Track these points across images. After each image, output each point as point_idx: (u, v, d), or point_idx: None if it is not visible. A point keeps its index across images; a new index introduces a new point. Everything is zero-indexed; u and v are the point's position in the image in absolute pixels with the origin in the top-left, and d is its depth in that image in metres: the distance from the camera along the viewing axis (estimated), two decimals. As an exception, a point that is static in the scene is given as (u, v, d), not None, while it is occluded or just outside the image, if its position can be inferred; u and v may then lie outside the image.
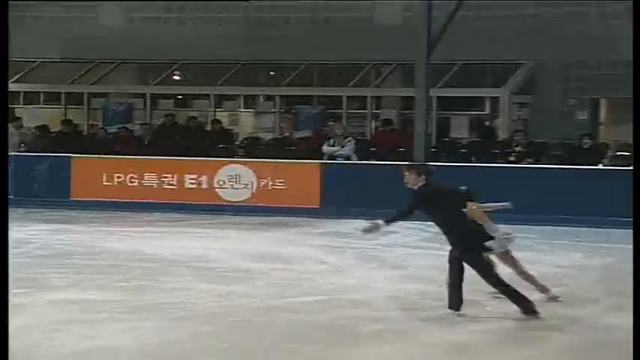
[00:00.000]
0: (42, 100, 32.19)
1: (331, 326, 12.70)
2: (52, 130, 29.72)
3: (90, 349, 11.54)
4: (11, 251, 19.24)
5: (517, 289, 12.53)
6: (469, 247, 12.49)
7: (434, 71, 26.02)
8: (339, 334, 12.21)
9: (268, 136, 29.38)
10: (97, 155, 27.24)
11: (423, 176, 12.65)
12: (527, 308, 12.37)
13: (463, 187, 13.13)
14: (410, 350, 10.90)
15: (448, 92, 28.11)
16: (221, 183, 25.65)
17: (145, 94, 31.35)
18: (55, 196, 26.21)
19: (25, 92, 32.18)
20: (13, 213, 23.97)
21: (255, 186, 25.43)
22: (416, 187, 12.68)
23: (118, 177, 26.18)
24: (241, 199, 25.34)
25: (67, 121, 30.01)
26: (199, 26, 30.60)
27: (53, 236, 21.51)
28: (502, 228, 13.01)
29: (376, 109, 29.90)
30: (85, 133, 30.78)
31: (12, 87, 31.90)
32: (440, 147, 26.92)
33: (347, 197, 24.07)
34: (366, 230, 12.77)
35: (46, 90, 32.10)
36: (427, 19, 25.34)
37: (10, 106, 32.12)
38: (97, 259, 18.61)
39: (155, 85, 31.51)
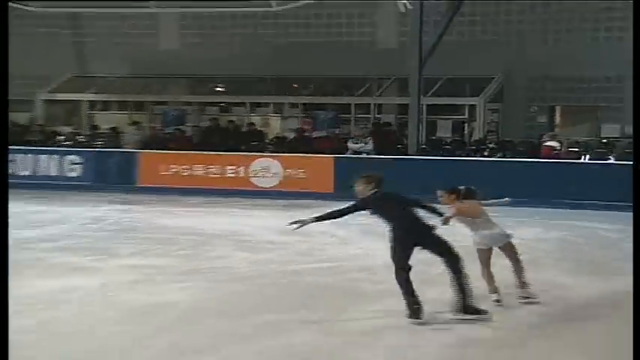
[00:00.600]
0: (115, 107, 32.23)
1: (340, 287, 12.72)
2: (121, 131, 29.80)
3: (151, 303, 11.64)
4: (89, 226, 19.66)
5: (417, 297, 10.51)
6: (403, 247, 10.54)
7: (424, 84, 26.04)
8: (346, 293, 12.22)
9: (292, 135, 29.36)
10: (158, 151, 27.31)
11: (373, 184, 10.88)
12: (414, 313, 10.40)
13: (462, 187, 11.57)
14: (403, 307, 10.88)
15: (435, 100, 28.06)
16: (254, 173, 25.65)
17: (194, 102, 31.40)
18: (125, 182, 26.25)
19: (102, 101, 32.24)
20: (91, 196, 24.33)
21: (281, 175, 25.43)
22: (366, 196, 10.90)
23: (173, 168, 26.22)
24: (270, 185, 25.34)
25: (135, 123, 30.03)
26: (238, 48, 30.59)
27: (122, 215, 21.55)
28: (498, 229, 11.42)
29: (377, 114, 29.87)
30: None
31: (92, 97, 32.10)
32: (428, 144, 26.86)
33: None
34: (294, 223, 10.74)
35: (118, 99, 32.13)
36: (418, 43, 25.35)
37: (89, 112, 32.24)
38: (156, 233, 18.65)
39: (203, 95, 31.53)
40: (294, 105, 30.78)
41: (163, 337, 9.97)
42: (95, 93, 31.99)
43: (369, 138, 26.39)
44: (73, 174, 27.11)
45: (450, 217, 10.96)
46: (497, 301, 11.27)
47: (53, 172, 27.23)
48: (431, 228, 10.63)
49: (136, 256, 15.56)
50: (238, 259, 15.08)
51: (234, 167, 25.87)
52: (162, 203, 23.42)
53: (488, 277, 11.38)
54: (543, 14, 28.53)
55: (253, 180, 25.70)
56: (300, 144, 27.46)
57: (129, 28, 31.58)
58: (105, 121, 31.15)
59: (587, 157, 24.57)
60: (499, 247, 11.51)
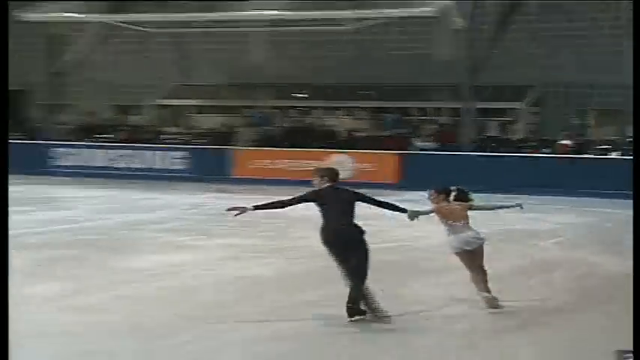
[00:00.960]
0: (212, 111, 32.44)
1: (401, 263, 12.76)
2: (218, 131, 30.06)
3: (242, 276, 11.79)
4: (190, 211, 19.90)
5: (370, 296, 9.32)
6: (334, 243, 9.38)
7: (475, 90, 25.96)
8: (407, 268, 12.25)
9: (362, 135, 29.34)
10: (248, 147, 27.56)
11: (326, 178, 9.51)
12: (375, 312, 9.21)
13: (453, 188, 10.08)
14: (452, 278, 10.89)
15: (484, 105, 27.84)
16: (330, 166, 25.78)
17: (279, 106, 31.53)
18: (220, 174, 26.53)
19: (202, 106, 32.49)
20: (192, 186, 24.50)
21: (354, 169, 25.47)
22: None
23: (261, 162, 26.45)
24: (344, 178, 25.32)
25: (250, 125, 30.30)
26: (316, 60, 30.63)
27: (218, 201, 21.71)
28: (472, 232, 9.83)
29: (435, 116, 29.74)
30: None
31: (193, 102, 32.35)
32: (478, 142, 26.70)
33: (416, 176, 24.04)
34: (232, 210, 9.70)
35: (214, 104, 32.35)
36: (470, 55, 25.28)
37: (191, 115, 32.49)
38: (246, 217, 18.68)
39: (285, 100, 31.64)
40: (363, 109, 30.76)
41: (251, 303, 10.10)
42: (196, 99, 32.26)
43: (432, 137, 26.52)
44: (177, 167, 27.46)
45: (419, 213, 9.88)
46: (494, 303, 9.75)
47: (161, 166, 27.61)
48: (362, 232, 9.39)
49: (230, 236, 15.70)
50: (317, 239, 15.14)
51: (312, 161, 25.97)
52: (251, 192, 23.48)
53: (475, 279, 9.88)
54: (578, 30, 28.23)
55: (329, 173, 25.78)
56: (370, 142, 27.48)
57: (224, 45, 31.79)
58: (204, 122, 31.44)
59: (616, 153, 24.37)
60: (473, 251, 9.90)
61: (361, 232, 9.35)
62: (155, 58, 32.28)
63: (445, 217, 9.82)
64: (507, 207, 10.64)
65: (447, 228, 9.84)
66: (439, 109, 29.97)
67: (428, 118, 29.67)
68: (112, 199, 21.82)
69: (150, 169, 27.49)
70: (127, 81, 31.94)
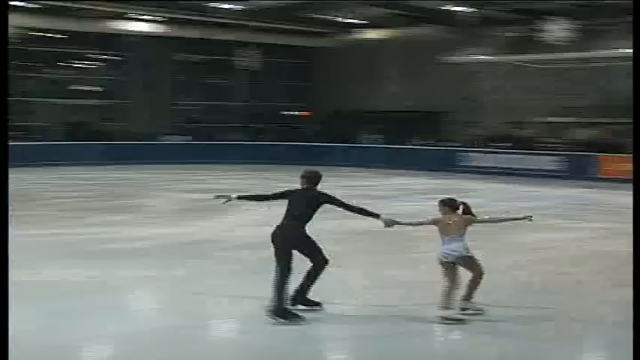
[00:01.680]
0: (583, 126, 31.65)
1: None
2: (587, 141, 29.87)
3: (603, 250, 11.75)
4: (562, 200, 19.77)
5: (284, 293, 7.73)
6: (284, 243, 7.77)
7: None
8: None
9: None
10: (609, 153, 27.09)
11: (304, 180, 8.01)
12: (272, 310, 7.73)
13: (457, 200, 8.07)
14: None
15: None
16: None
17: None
18: (588, 174, 26.62)
19: (574, 122, 32.07)
20: (563, 183, 24.91)
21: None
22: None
23: (620, 165, 25.37)
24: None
25: (596, 138, 30.05)
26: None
27: (585, 195, 21.52)
28: (451, 246, 7.76)
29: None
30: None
31: (568, 119, 31.83)
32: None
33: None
34: (219, 197, 8.25)
35: (584, 121, 31.16)
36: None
37: (564, 129, 32.29)
38: (604, 207, 18.60)
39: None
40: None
41: (614, 272, 10.38)
42: (570, 117, 31.93)
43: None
44: (555, 168, 28.02)
45: (396, 223, 8.10)
46: (443, 317, 7.76)
47: (542, 167, 28.06)
48: (305, 235, 7.90)
49: (594, 221, 15.53)
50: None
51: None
52: (609, 188, 22.98)
53: (444, 291, 7.87)
54: None
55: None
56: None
57: (593, 75, 31.37)
58: (576, 135, 31.21)
59: None
60: (459, 264, 7.93)
61: (303, 235, 7.95)
62: (539, 86, 32.87)
63: (440, 227, 7.98)
64: (517, 219, 8.52)
65: (441, 240, 8.01)
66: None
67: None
68: (505, 191, 22.10)
69: (533, 170, 28.06)
70: (518, 103, 32.85)
